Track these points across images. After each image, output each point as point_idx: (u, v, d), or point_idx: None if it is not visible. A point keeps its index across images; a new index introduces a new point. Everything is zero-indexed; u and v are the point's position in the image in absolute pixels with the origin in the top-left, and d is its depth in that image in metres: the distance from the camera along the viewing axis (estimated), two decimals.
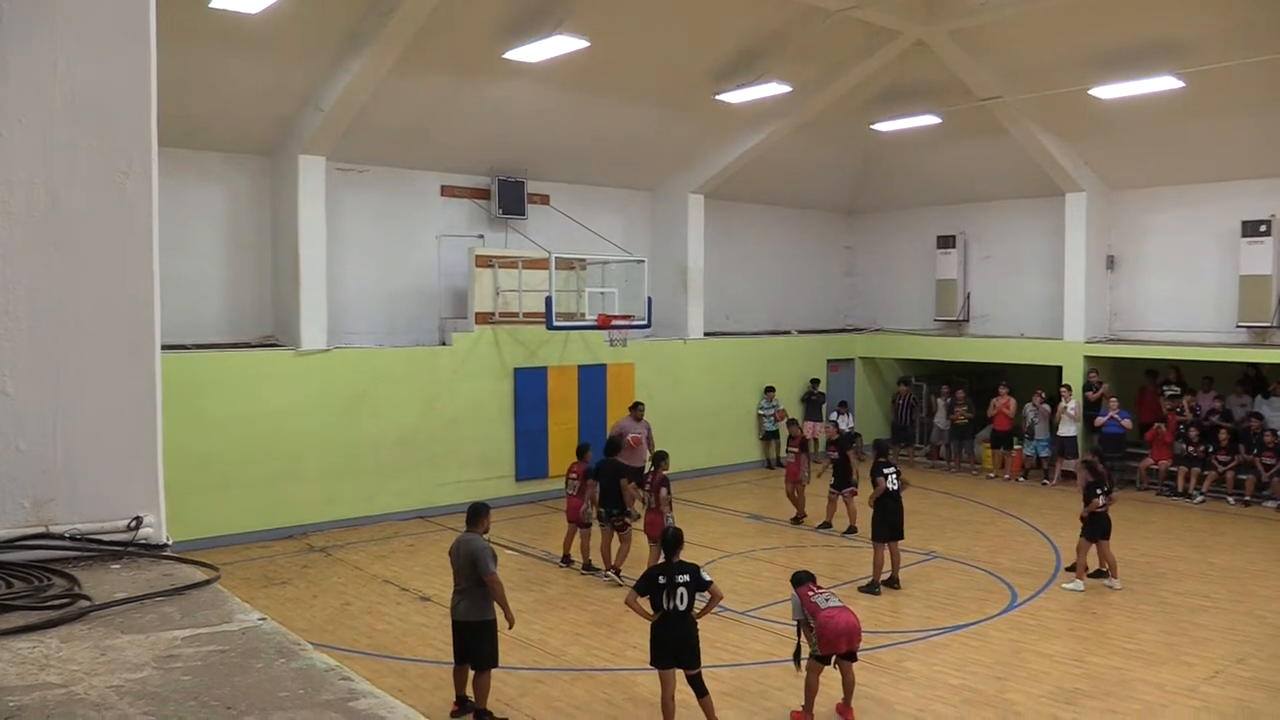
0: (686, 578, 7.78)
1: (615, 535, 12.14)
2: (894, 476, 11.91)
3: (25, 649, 2.16)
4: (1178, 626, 10.45)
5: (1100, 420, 17.69)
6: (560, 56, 13.48)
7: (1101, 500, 11.74)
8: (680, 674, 7.76)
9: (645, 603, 7.79)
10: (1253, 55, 13.84)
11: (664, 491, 11.54)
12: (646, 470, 12.85)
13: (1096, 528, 11.77)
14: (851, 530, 14.33)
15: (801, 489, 15.25)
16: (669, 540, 8.17)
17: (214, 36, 12.18)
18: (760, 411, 20.16)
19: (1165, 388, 18.27)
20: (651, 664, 7.86)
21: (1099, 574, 12.04)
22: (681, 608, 7.71)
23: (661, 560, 8.10)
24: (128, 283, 2.84)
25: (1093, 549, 11.87)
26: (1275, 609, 11.04)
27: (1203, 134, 16.52)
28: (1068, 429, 17.95)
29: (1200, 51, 14.28)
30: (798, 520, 15.32)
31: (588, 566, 12.51)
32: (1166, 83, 14.44)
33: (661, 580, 7.76)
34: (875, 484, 11.86)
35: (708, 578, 7.93)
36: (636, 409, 15.06)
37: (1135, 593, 11.65)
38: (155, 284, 2.89)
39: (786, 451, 15.72)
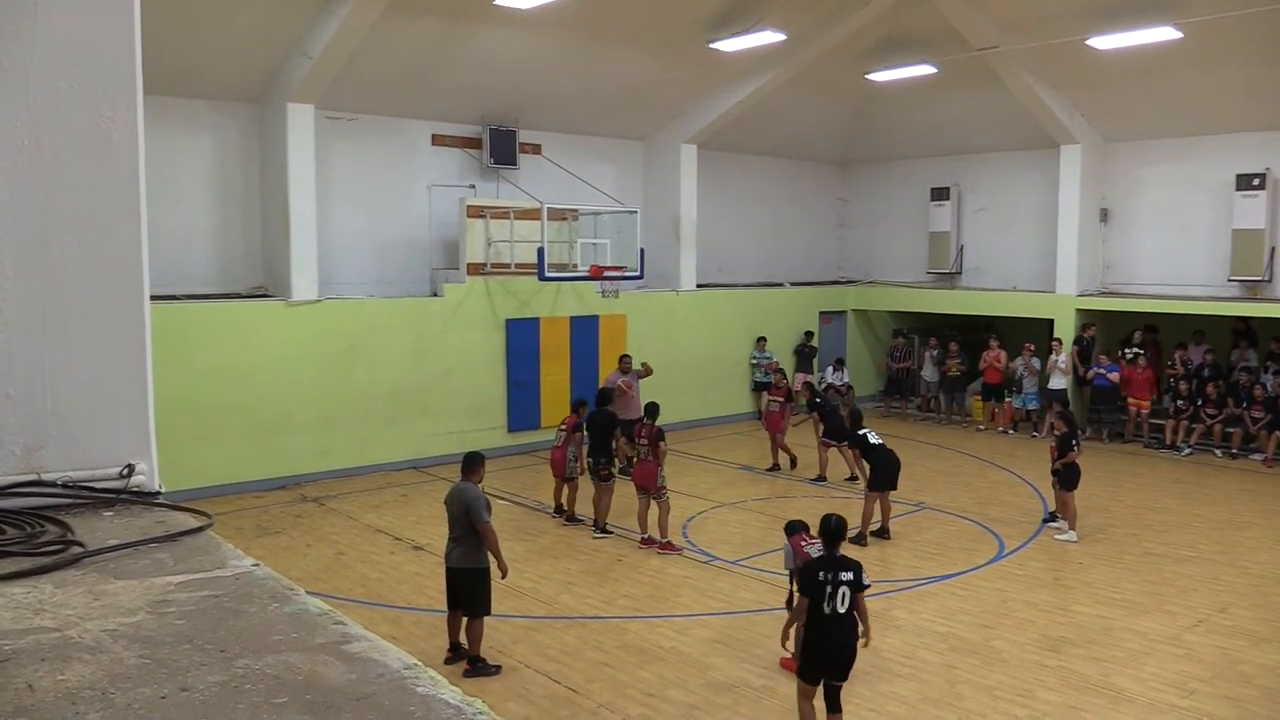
0: (850, 576, 6.67)
1: (600, 487, 12.15)
2: (873, 434, 12.21)
3: (19, 594, 2.18)
4: (1162, 576, 10.60)
5: (1090, 373, 17.79)
6: (552, 2, 13.29)
7: (1075, 452, 11.95)
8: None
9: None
10: (1251, 6, 13.70)
11: (662, 445, 11.55)
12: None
13: (1073, 478, 11.94)
14: (821, 479, 14.73)
15: (781, 439, 15.34)
16: (831, 531, 6.97)
17: None
18: (752, 361, 20.20)
19: (1125, 350, 18.06)
20: (799, 676, 6.85)
21: (1052, 517, 12.46)
22: (842, 610, 6.63)
23: (820, 555, 6.98)
24: (115, 230, 2.82)
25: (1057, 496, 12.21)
26: (1258, 560, 11.20)
27: (1199, 86, 16.41)
28: (1058, 382, 18.02)
29: (1198, 1, 14.14)
30: (773, 469, 15.47)
31: (571, 518, 12.60)
32: (1164, 33, 14.31)
33: (822, 577, 6.63)
34: (854, 447, 12.39)
35: (868, 580, 6.83)
36: (624, 361, 15.15)
37: (1120, 543, 11.79)
38: (143, 231, 2.88)
39: (770, 401, 15.82)
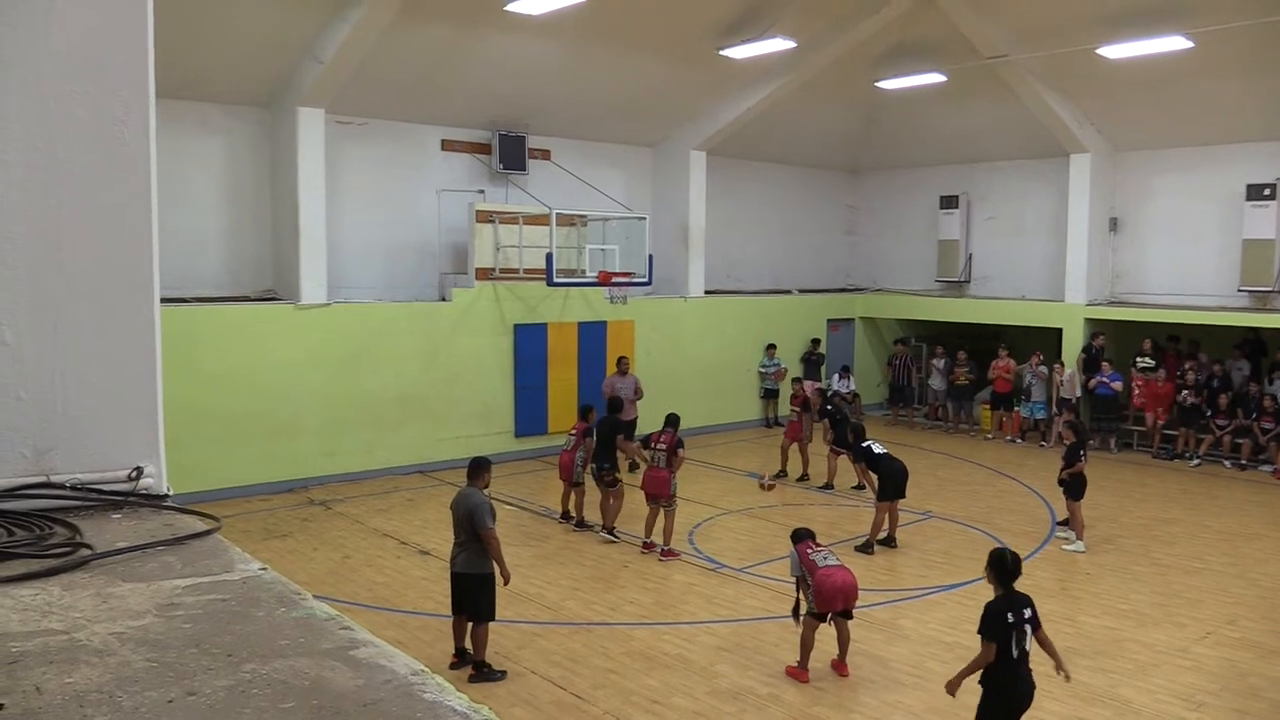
0: (1029, 612, 6.19)
1: (607, 492, 12.14)
2: (877, 445, 12.26)
3: (27, 596, 2.18)
4: (1170, 588, 10.55)
5: (1092, 383, 17.74)
6: (562, 9, 13.31)
7: (1081, 462, 11.91)
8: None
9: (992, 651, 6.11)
10: (1262, 16, 13.67)
11: (681, 451, 11.52)
12: (645, 431, 12.84)
13: (1079, 488, 11.90)
14: (828, 487, 14.71)
15: (804, 447, 15.32)
16: (1009, 569, 6.33)
17: None
18: (761, 369, 20.18)
19: (1138, 359, 18.04)
20: None
21: (1063, 523, 12.39)
22: (1028, 651, 6.14)
23: (1000, 593, 6.34)
24: (126, 232, 2.82)
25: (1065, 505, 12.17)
26: (1267, 572, 11.14)
27: (1209, 96, 16.38)
28: (1068, 391, 17.99)
29: (1209, 11, 14.11)
30: (779, 476, 15.44)
31: (581, 523, 12.59)
32: (1175, 43, 14.28)
33: (1010, 619, 6.11)
34: (862, 461, 12.38)
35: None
36: (621, 363, 15.36)
37: (1129, 554, 11.74)
38: (154, 234, 2.88)
39: (790, 410, 15.87)
